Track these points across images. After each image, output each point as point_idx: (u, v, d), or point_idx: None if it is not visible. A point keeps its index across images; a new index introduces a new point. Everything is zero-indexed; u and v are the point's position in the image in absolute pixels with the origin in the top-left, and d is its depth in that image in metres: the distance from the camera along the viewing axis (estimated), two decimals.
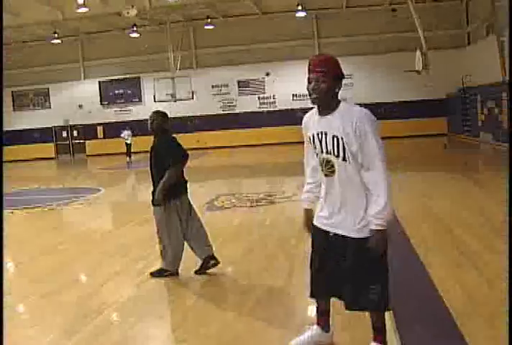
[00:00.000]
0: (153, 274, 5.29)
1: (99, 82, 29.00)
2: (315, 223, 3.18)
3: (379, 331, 3.16)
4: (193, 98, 26.64)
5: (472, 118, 22.84)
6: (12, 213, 10.57)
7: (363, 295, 2.99)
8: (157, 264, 5.40)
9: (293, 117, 24.87)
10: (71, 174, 20.90)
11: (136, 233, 7.75)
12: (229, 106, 28.14)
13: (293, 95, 27.76)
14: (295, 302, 4.41)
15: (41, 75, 29.44)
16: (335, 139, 2.88)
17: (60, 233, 8.24)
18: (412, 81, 25.08)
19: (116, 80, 28.79)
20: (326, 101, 2.93)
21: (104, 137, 28.68)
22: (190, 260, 5.33)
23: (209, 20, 25.84)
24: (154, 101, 27.53)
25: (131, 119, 28.21)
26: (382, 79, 26.63)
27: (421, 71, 18.77)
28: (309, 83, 2.95)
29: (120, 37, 27.88)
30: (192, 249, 5.29)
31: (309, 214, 3.30)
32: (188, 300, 4.64)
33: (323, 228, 3.11)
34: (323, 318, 3.36)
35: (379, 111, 27.15)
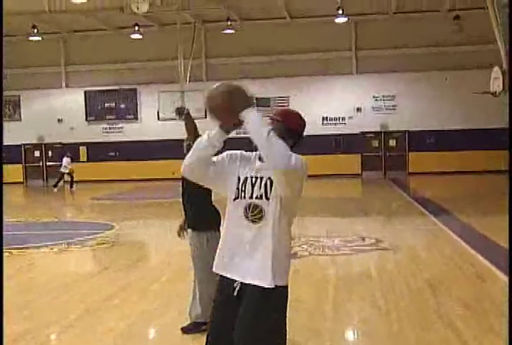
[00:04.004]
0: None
1: (85, 92, 28.76)
2: (214, 269, 3.37)
3: None
4: (205, 117, 26.04)
5: None
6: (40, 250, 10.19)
7: None
8: None
9: (322, 145, 24.63)
10: (57, 204, 20.49)
11: None
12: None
13: (322, 118, 27.60)
14: None
15: (11, 78, 28.93)
16: (268, 181, 3.21)
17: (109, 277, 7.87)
18: (470, 106, 25.08)
19: (106, 90, 28.59)
20: None
21: (88, 160, 28.21)
22: None
23: (229, 23, 25.64)
24: (158, 119, 27.31)
25: (124, 140, 28.07)
26: (432, 102, 26.54)
27: (499, 93, 17.96)
28: None
29: (115, 38, 27.71)
30: None
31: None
32: None
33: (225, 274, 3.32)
34: None
35: (427, 140, 27.00)
